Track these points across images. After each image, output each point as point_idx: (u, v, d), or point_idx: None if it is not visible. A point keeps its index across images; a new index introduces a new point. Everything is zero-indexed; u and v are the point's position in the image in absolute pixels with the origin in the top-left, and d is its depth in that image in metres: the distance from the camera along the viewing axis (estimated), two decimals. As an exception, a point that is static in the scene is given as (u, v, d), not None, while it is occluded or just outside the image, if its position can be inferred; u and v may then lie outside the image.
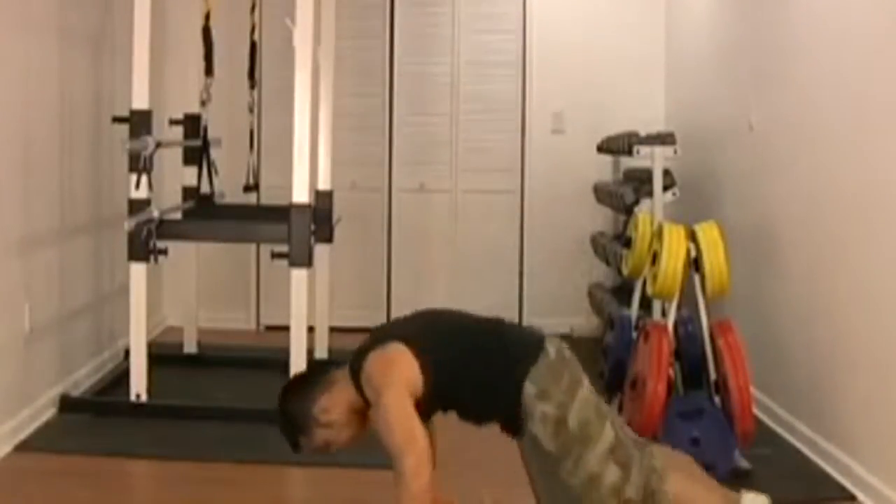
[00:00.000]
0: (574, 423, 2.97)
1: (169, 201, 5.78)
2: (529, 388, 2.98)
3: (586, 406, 3.01)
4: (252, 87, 6.13)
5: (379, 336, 3.12)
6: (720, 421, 4.18)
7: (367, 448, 4.55)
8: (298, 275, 4.92)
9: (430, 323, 3.20)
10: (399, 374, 2.95)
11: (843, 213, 4.29)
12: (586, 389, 3.05)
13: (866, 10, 4.12)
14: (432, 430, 3.09)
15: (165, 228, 5.00)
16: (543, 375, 3.00)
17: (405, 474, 2.81)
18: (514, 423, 3.05)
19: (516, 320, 3.30)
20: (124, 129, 4.94)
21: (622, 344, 4.67)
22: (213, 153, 5.92)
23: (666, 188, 5.55)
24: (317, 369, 3.27)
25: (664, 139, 5.67)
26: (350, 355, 3.12)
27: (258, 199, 6.56)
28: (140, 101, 4.87)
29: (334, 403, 3.05)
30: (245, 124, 6.16)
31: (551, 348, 3.06)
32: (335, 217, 6.00)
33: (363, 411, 3.05)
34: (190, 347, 6.09)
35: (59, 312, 5.08)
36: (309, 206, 5.00)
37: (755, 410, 4.37)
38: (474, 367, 3.05)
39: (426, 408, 2.98)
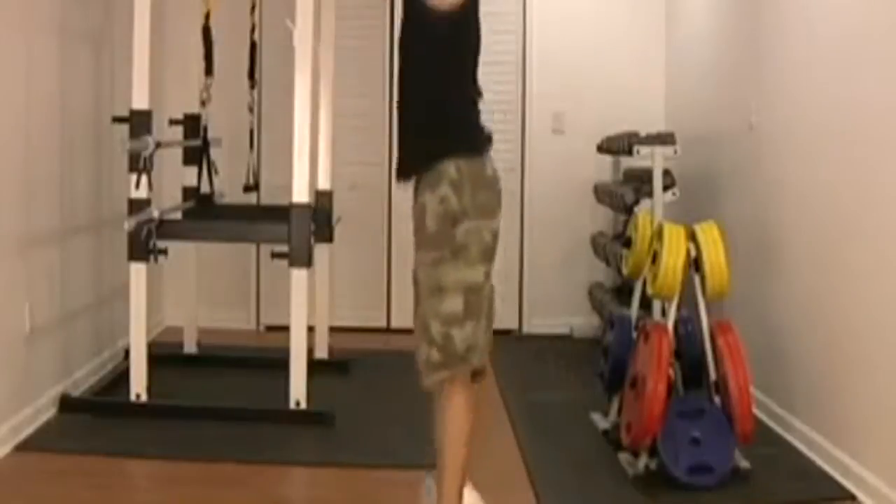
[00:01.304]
0: (461, 235, 2.88)
1: (169, 201, 5.78)
2: (449, 166, 2.91)
3: (481, 234, 2.91)
4: (252, 87, 6.13)
5: None
6: (720, 421, 4.18)
7: (368, 448, 4.55)
8: (298, 275, 4.93)
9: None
10: None
11: (843, 212, 4.29)
12: (493, 226, 2.95)
13: (866, 11, 4.12)
14: None
15: (165, 228, 5.00)
16: (468, 171, 2.92)
17: None
18: (409, 170, 3.01)
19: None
20: (124, 129, 4.94)
21: (622, 344, 4.66)
22: (213, 153, 5.92)
23: (666, 188, 5.55)
24: None
25: (664, 139, 5.67)
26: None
27: (258, 199, 6.56)
28: (140, 101, 4.87)
29: None
30: (245, 124, 6.16)
31: (490, 162, 3.00)
32: (335, 217, 6.00)
33: None
34: (190, 347, 6.09)
35: (59, 312, 5.08)
36: (309, 206, 5.00)
37: (755, 410, 4.37)
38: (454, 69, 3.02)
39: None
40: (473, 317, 2.87)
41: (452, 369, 2.88)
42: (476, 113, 3.06)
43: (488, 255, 2.94)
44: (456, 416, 2.92)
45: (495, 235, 2.98)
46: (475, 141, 2.99)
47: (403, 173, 3.01)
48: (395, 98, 3.09)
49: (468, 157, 2.93)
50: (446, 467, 2.95)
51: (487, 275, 2.93)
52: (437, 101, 2.99)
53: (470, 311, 2.87)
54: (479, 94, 3.14)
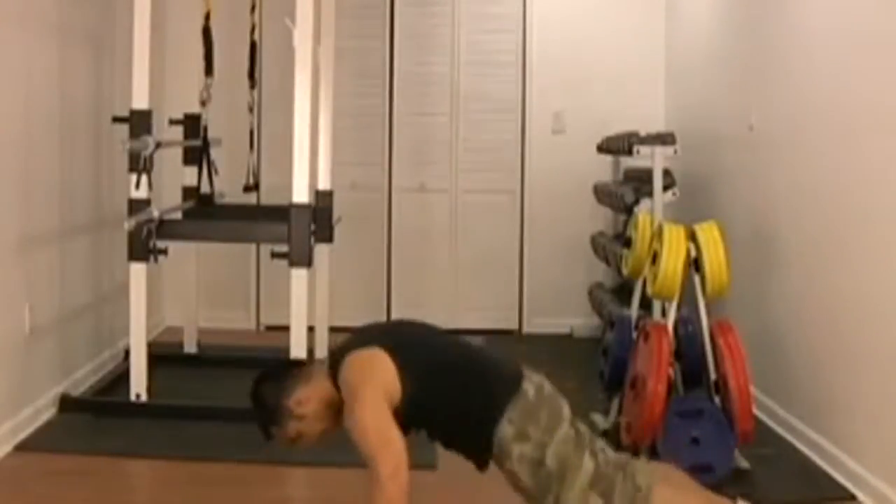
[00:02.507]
0: (552, 462, 2.92)
1: (169, 201, 5.77)
2: (507, 429, 2.92)
3: (565, 443, 2.95)
4: (252, 87, 6.13)
5: (361, 338, 3.08)
6: (720, 421, 4.18)
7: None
8: (298, 275, 4.93)
9: (411, 335, 3.15)
10: (378, 377, 2.90)
11: (843, 212, 4.29)
12: (565, 426, 2.98)
13: (866, 10, 4.12)
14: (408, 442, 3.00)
15: (165, 228, 5.00)
16: (521, 416, 2.94)
17: (381, 477, 2.71)
18: (481, 457, 3.00)
19: (494, 353, 3.28)
20: (124, 129, 4.94)
21: (622, 344, 4.66)
22: (213, 153, 5.92)
23: (666, 188, 5.55)
24: (294, 363, 3.23)
25: (664, 139, 5.66)
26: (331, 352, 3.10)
27: (258, 199, 6.56)
28: (140, 101, 4.87)
29: (310, 396, 3.02)
30: (245, 124, 6.16)
31: (530, 388, 2.99)
32: (335, 217, 6.00)
33: (338, 408, 3.00)
34: (190, 347, 6.09)
35: (59, 312, 5.08)
36: (309, 206, 5.00)
37: (755, 410, 4.36)
38: (453, 392, 2.99)
39: (400, 421, 2.89)
40: (612, 493, 2.92)
41: None
42: (475, 379, 3.05)
43: (580, 444, 2.98)
44: None
45: (572, 425, 3.01)
46: (500, 394, 2.99)
47: (480, 467, 3.06)
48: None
49: (510, 411, 2.95)
50: None
51: (593, 453, 2.98)
52: (460, 414, 3.01)
53: (608, 494, 2.92)
54: (460, 356, 3.14)
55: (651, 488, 2.96)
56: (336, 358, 3.03)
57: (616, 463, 3.03)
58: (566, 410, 3.03)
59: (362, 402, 2.85)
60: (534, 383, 3.02)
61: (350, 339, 3.10)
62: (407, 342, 3.07)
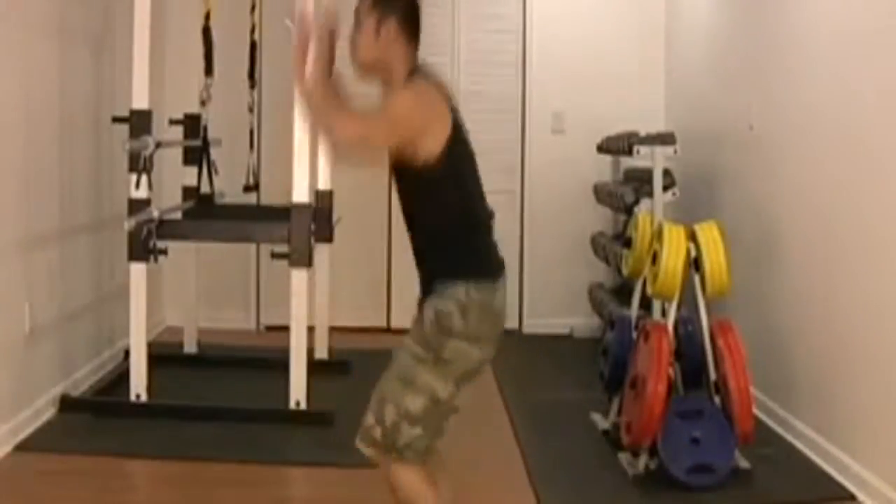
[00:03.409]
0: (448, 353, 2.91)
1: (169, 201, 5.77)
2: (461, 288, 2.91)
3: (467, 359, 2.94)
4: (252, 87, 6.13)
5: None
6: (720, 421, 4.18)
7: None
8: (298, 275, 4.93)
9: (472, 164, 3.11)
10: (434, 111, 2.91)
11: (843, 212, 4.29)
12: (478, 355, 2.97)
13: (865, 10, 4.12)
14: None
15: (165, 228, 5.00)
16: (478, 297, 2.92)
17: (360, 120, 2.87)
18: (429, 276, 3.00)
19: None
20: (124, 129, 4.94)
21: (622, 344, 4.66)
22: (213, 153, 5.92)
23: (666, 188, 5.55)
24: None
25: (664, 139, 5.66)
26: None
27: (258, 199, 6.56)
28: (140, 101, 4.87)
29: (397, 46, 3.06)
30: (245, 124, 6.16)
31: (503, 289, 3.00)
32: (335, 217, 6.00)
33: (396, 82, 3.00)
34: (190, 347, 6.10)
35: (59, 312, 5.07)
36: (309, 206, 5.00)
37: (755, 410, 4.36)
38: (464, 220, 3.00)
39: (400, 163, 2.92)
40: (425, 424, 2.93)
41: (384, 456, 2.96)
42: (487, 237, 3.08)
43: (466, 377, 2.99)
44: (403, 487, 2.97)
45: (481, 363, 3.02)
46: (487, 267, 3.01)
47: (422, 292, 3.06)
48: (403, 220, 3.11)
49: (479, 284, 2.96)
50: None
51: (454, 395, 2.98)
52: (446, 230, 3.01)
53: (426, 417, 2.92)
54: (489, 215, 3.15)
55: (421, 457, 2.96)
56: (424, 73, 3.03)
57: (446, 417, 3.00)
58: (489, 348, 3.00)
59: (404, 101, 2.90)
60: (496, 291, 3.01)
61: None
62: (464, 140, 3.04)
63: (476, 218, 3.06)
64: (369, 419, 2.96)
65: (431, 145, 2.88)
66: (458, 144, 2.95)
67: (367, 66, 3.05)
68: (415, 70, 3.03)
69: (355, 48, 3.07)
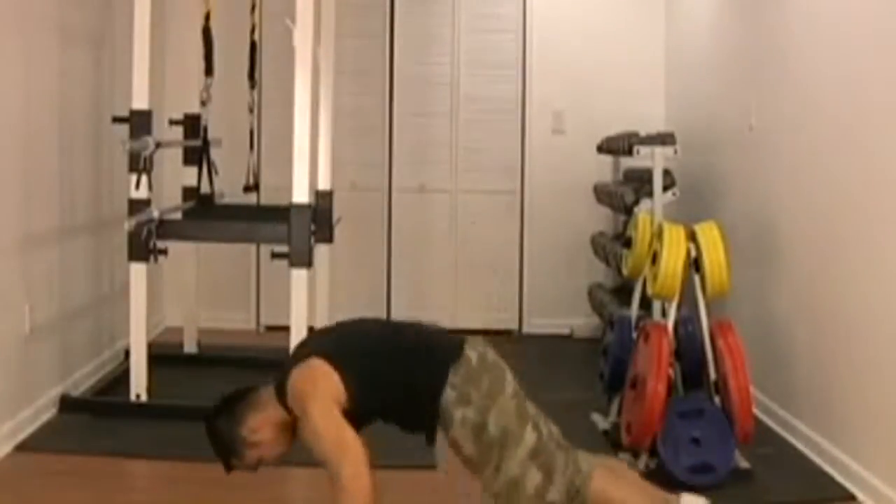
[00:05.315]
0: (494, 429, 2.96)
1: (169, 201, 5.78)
2: (450, 394, 2.98)
3: (506, 410, 2.99)
4: (252, 87, 6.13)
5: (300, 353, 3.15)
6: (720, 421, 4.18)
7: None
8: (298, 275, 4.93)
9: (348, 335, 3.21)
10: (322, 387, 2.96)
11: (843, 212, 4.29)
12: (509, 393, 3.03)
13: (865, 10, 4.12)
14: (365, 438, 3.03)
15: (165, 228, 5.00)
16: (463, 381, 2.98)
17: (343, 480, 2.80)
18: (430, 428, 3.05)
19: (436, 325, 3.37)
20: (124, 129, 4.94)
21: (622, 344, 4.66)
22: (213, 153, 5.92)
23: (666, 188, 5.54)
24: (243, 391, 3.25)
25: (664, 139, 5.66)
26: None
27: (258, 199, 6.56)
28: (140, 101, 4.87)
29: (262, 423, 3.09)
30: (245, 124, 6.16)
31: (473, 354, 3.05)
32: (335, 217, 6.00)
33: (291, 427, 3.08)
34: (190, 347, 6.09)
35: (59, 312, 5.07)
36: (309, 206, 5.00)
37: (755, 410, 4.37)
38: (395, 376, 3.05)
39: (355, 420, 2.96)
40: (552, 469, 2.97)
41: None
42: (420, 348, 3.14)
43: (523, 415, 3.02)
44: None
45: (515, 395, 3.06)
46: (441, 363, 3.05)
47: (429, 440, 3.11)
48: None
49: (454, 370, 3.01)
50: None
51: (536, 426, 3.01)
52: (410, 401, 3.08)
53: (548, 469, 2.96)
54: (411, 336, 3.22)
55: (591, 472, 3.01)
56: (281, 379, 3.07)
57: (559, 442, 3.07)
58: (509, 378, 3.08)
59: (312, 414, 2.92)
60: (477, 350, 3.08)
61: (292, 354, 3.19)
62: (345, 343, 3.14)
63: (403, 356, 3.10)
64: None
65: (343, 400, 2.96)
66: (349, 368, 3.00)
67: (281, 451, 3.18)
68: (279, 390, 3.08)
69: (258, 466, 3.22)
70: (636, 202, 5.69)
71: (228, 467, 3.20)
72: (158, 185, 5.26)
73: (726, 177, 5.78)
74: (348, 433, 2.88)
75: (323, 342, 3.22)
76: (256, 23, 6.10)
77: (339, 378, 2.97)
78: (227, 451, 3.15)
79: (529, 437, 2.98)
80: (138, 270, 4.93)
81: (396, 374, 3.06)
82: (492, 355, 3.11)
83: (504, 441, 2.96)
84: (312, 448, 2.91)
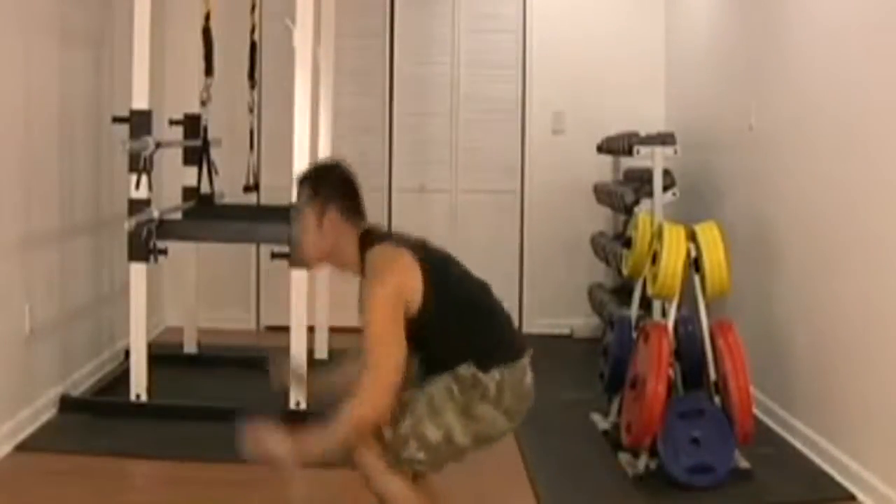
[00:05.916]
0: (481, 410, 2.93)
1: (169, 201, 5.78)
2: (486, 377, 2.94)
3: (493, 425, 2.98)
4: (252, 87, 6.13)
5: (402, 237, 3.09)
6: (720, 421, 4.18)
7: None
8: (298, 275, 4.93)
9: (456, 264, 3.16)
10: (400, 278, 2.91)
11: (843, 212, 4.29)
12: (489, 433, 2.99)
13: (865, 10, 4.12)
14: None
15: (165, 228, 5.00)
16: (501, 380, 2.96)
17: (360, 394, 2.82)
18: (438, 368, 3.00)
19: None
20: (124, 129, 4.94)
21: (622, 344, 4.66)
22: (213, 153, 5.92)
23: (666, 188, 5.54)
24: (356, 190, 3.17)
25: (664, 139, 5.66)
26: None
27: (258, 199, 6.56)
28: (140, 101, 4.87)
29: (338, 227, 3.05)
30: (245, 124, 6.16)
31: (526, 360, 3.05)
32: (335, 217, 5.98)
33: (344, 264, 3.09)
34: (190, 347, 6.09)
35: (59, 313, 5.07)
36: (309, 206, 4.99)
37: (755, 410, 4.37)
38: (472, 321, 3.01)
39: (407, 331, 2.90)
40: (431, 455, 2.95)
41: (382, 453, 2.94)
42: (498, 325, 3.11)
43: (485, 441, 3.02)
44: (386, 488, 2.98)
45: (503, 434, 3.06)
46: (510, 351, 3.04)
47: (423, 371, 3.07)
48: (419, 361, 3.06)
49: (508, 366, 2.99)
50: None
51: (467, 449, 2.99)
52: (465, 349, 3.00)
53: (434, 450, 2.94)
54: (489, 299, 3.16)
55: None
56: (370, 239, 3.03)
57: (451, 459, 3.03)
58: (507, 427, 3.03)
59: (377, 294, 2.87)
60: (528, 370, 3.05)
61: (394, 233, 3.14)
62: (448, 271, 3.08)
63: (483, 319, 3.06)
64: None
65: (412, 308, 2.90)
66: (439, 288, 2.95)
67: (319, 259, 3.14)
68: (367, 239, 3.05)
69: (302, 247, 3.14)
70: (636, 202, 5.69)
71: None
72: (158, 185, 5.26)
73: (726, 177, 5.78)
74: (396, 347, 2.83)
75: (428, 252, 3.11)
76: (256, 23, 6.10)
77: (421, 282, 2.90)
78: (303, 201, 3.07)
79: (466, 442, 2.96)
80: (138, 270, 4.93)
81: (476, 320, 3.00)
82: (530, 380, 3.07)
83: (468, 415, 2.93)
84: (360, 321, 2.88)
